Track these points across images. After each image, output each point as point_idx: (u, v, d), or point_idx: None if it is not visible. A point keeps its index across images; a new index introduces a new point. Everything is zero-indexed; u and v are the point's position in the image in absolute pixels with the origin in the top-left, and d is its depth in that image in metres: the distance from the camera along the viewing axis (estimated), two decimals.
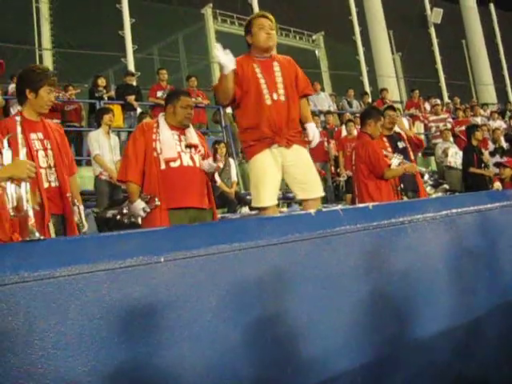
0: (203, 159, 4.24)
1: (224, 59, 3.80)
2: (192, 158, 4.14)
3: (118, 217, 4.41)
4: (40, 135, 3.62)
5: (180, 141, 4.15)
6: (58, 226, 3.63)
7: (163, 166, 4.03)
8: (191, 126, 4.37)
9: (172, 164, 4.04)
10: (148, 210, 3.97)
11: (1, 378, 1.77)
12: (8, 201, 2.60)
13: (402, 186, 5.66)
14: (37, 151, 3.57)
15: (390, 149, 5.69)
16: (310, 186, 4.09)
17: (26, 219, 2.42)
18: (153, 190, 4.02)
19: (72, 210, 3.72)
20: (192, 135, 4.25)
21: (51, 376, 1.85)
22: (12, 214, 2.58)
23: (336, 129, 11.83)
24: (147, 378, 2.05)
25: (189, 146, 4.17)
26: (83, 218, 3.73)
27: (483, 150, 9.73)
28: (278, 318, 2.41)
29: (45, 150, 3.62)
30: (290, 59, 4.27)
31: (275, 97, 3.99)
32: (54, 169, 3.65)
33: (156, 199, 3.97)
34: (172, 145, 4.08)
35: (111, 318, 1.99)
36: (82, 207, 3.81)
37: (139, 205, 3.99)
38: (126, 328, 2.02)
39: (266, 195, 3.99)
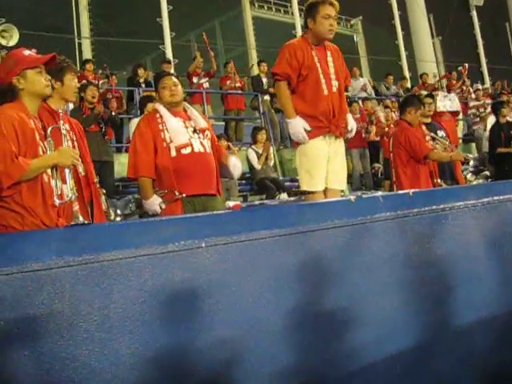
0: (212, 142, 4.12)
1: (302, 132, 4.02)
2: (202, 144, 4.01)
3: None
4: (67, 126, 3.53)
5: (186, 127, 4.02)
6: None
7: (174, 154, 3.90)
8: (192, 108, 4.26)
9: (183, 151, 3.91)
10: (164, 206, 3.85)
11: (48, 358, 1.83)
12: (53, 188, 2.66)
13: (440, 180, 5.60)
14: (67, 141, 3.56)
15: (429, 137, 5.63)
16: (340, 177, 4.25)
17: (70, 205, 2.47)
18: (167, 181, 3.90)
19: (99, 196, 3.69)
20: (198, 119, 4.13)
21: (95, 358, 1.90)
22: (57, 200, 2.64)
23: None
24: (188, 361, 2.08)
25: (196, 131, 4.04)
26: (109, 207, 3.68)
27: None
28: (317, 304, 2.42)
29: (72, 140, 3.54)
30: (337, 48, 4.29)
31: (331, 87, 4.08)
32: (80, 159, 3.62)
33: (176, 192, 3.85)
34: (182, 131, 3.97)
35: (153, 302, 2.03)
36: (105, 197, 3.78)
37: (155, 200, 3.88)
38: (168, 312, 2.05)
39: (319, 180, 4.10)
